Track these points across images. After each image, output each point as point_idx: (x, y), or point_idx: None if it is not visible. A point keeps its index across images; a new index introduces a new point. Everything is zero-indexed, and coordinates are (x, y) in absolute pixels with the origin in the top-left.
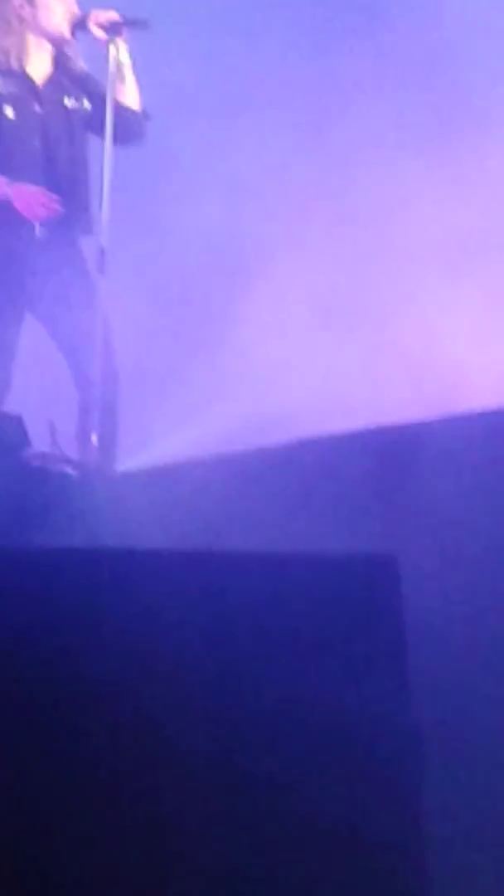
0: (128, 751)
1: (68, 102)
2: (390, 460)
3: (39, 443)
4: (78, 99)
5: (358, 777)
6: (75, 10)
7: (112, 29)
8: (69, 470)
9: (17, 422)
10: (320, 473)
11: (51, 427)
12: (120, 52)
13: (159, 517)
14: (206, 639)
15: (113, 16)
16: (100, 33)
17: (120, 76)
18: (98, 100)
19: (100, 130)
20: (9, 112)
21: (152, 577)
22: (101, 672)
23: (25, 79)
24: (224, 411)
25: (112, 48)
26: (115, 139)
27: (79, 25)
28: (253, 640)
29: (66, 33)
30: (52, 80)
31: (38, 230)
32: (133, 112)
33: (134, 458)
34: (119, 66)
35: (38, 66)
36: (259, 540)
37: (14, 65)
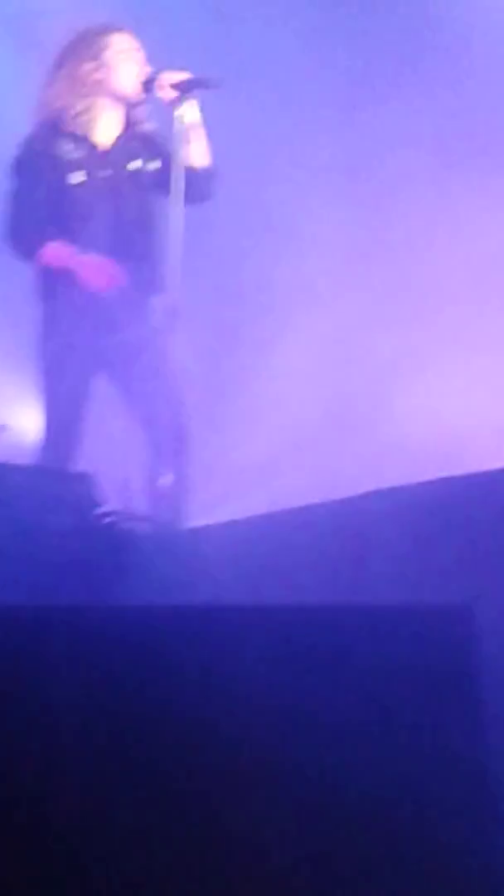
0: (200, 797)
1: (136, 164)
2: (464, 509)
3: (112, 501)
4: (146, 160)
5: (428, 831)
6: (146, 69)
7: (182, 88)
8: (141, 527)
9: (90, 480)
10: (397, 522)
11: (123, 485)
12: (189, 111)
13: (230, 572)
14: (281, 691)
15: (183, 76)
16: (169, 94)
17: (188, 136)
18: (166, 160)
19: (167, 190)
20: (78, 178)
21: (225, 632)
22: (175, 723)
23: (93, 144)
24: (292, 466)
25: (180, 108)
26: (185, 199)
27: (148, 86)
28: (328, 693)
29: (136, 94)
30: (119, 143)
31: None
32: (201, 171)
33: (205, 513)
34: (187, 125)
35: (108, 129)
36: (332, 592)
37: (85, 129)
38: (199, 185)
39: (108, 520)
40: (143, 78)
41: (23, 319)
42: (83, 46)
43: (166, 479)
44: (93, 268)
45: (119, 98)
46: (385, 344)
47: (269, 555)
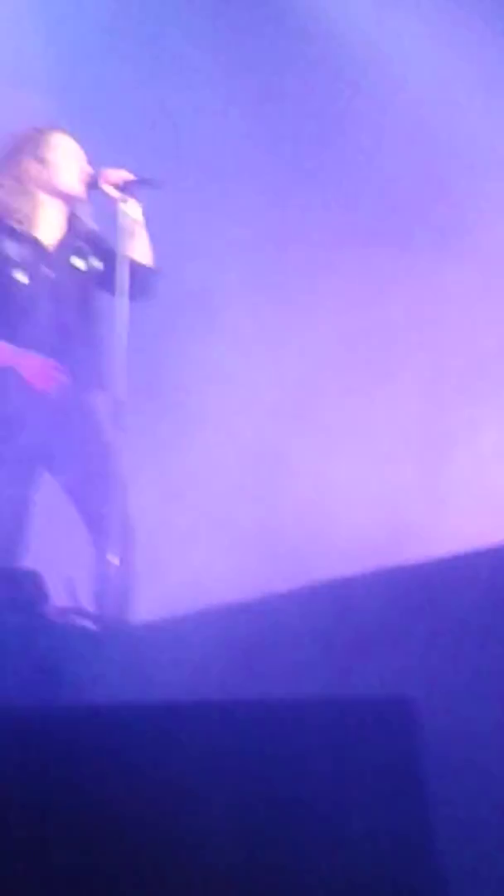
0: None
1: (79, 263)
2: (409, 599)
3: (58, 598)
4: (89, 258)
5: None
6: (88, 169)
7: (125, 188)
8: (88, 624)
9: (36, 577)
10: (340, 615)
11: (69, 582)
12: (132, 210)
13: (179, 668)
14: (228, 790)
15: (126, 175)
16: (113, 192)
17: (132, 233)
18: (110, 258)
19: (112, 288)
20: (20, 277)
21: (173, 730)
22: (124, 823)
23: (37, 242)
24: (237, 557)
25: (124, 206)
26: (129, 296)
27: (91, 185)
28: (275, 790)
29: (79, 193)
30: (62, 241)
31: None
32: (145, 268)
33: (152, 609)
34: (131, 223)
35: (50, 227)
36: (279, 685)
37: (26, 228)
38: (143, 281)
39: (55, 617)
40: (86, 176)
41: None
42: (27, 146)
43: (113, 576)
44: (34, 367)
45: (63, 196)
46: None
47: (213, 650)
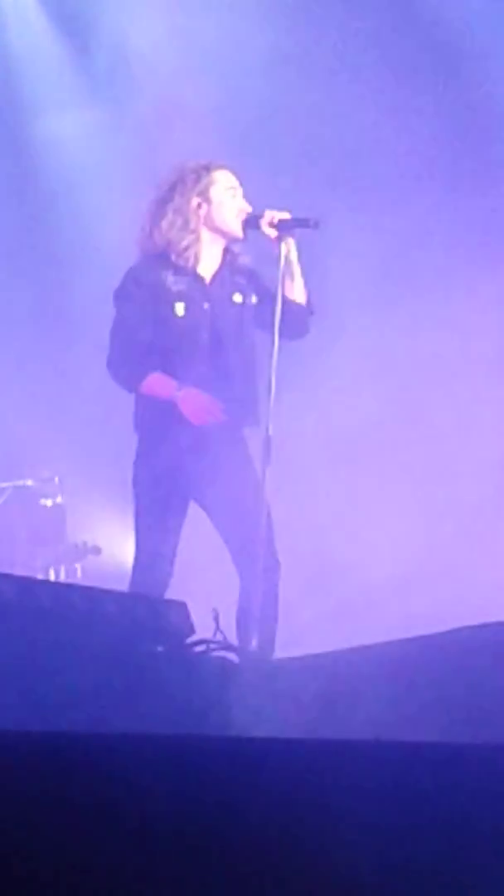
0: None
1: (236, 298)
2: None
3: (203, 629)
4: (245, 294)
5: None
6: (248, 208)
7: (283, 228)
8: (231, 656)
9: (183, 608)
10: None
11: (215, 614)
12: (290, 249)
13: (312, 706)
14: (368, 826)
15: (284, 215)
16: (271, 232)
17: (288, 272)
18: (264, 294)
19: (265, 324)
20: (179, 310)
21: (305, 764)
22: (254, 849)
23: (196, 276)
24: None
25: (283, 246)
26: (282, 334)
27: (251, 224)
28: (412, 831)
29: (239, 232)
30: (220, 276)
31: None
32: (300, 307)
33: (291, 646)
34: (288, 262)
35: (210, 262)
36: (414, 732)
37: (188, 263)
38: (298, 320)
39: (199, 648)
40: (245, 215)
41: (118, 444)
42: (190, 182)
43: (257, 610)
44: (194, 401)
45: (222, 233)
46: None
47: (349, 690)
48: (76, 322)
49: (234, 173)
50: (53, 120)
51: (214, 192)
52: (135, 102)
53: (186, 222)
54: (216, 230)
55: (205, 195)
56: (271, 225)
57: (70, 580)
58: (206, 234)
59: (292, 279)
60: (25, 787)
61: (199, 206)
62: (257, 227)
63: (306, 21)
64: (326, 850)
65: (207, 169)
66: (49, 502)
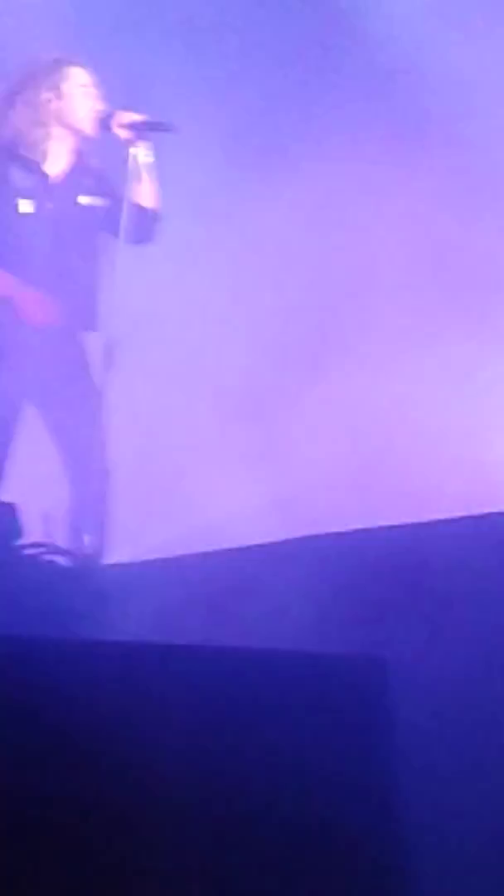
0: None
1: (82, 199)
2: (390, 561)
3: (33, 533)
4: (95, 196)
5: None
6: (100, 106)
7: (135, 129)
8: (61, 560)
9: (12, 510)
10: (319, 572)
11: (45, 517)
12: (141, 153)
13: (147, 611)
14: (195, 735)
15: (137, 117)
16: (124, 133)
17: (138, 177)
18: (113, 198)
19: (112, 228)
20: (23, 206)
21: (140, 671)
22: (93, 765)
23: (43, 174)
24: (222, 503)
25: (133, 149)
26: (128, 238)
27: (103, 124)
28: (243, 738)
29: (90, 130)
30: (69, 176)
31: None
32: (148, 212)
33: (124, 550)
34: (139, 166)
35: (59, 160)
36: (253, 638)
37: (38, 157)
38: (145, 225)
39: (30, 551)
40: (99, 114)
41: None
42: (43, 75)
43: (89, 513)
44: (31, 302)
45: (74, 131)
46: None
47: (183, 593)
48: None
49: (90, 71)
50: None
51: (66, 88)
52: None
53: (36, 116)
54: (67, 126)
55: (56, 90)
56: (122, 125)
57: None
58: (56, 131)
59: (140, 183)
60: None
61: (50, 100)
62: (108, 127)
63: None
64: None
65: (60, 64)
66: None
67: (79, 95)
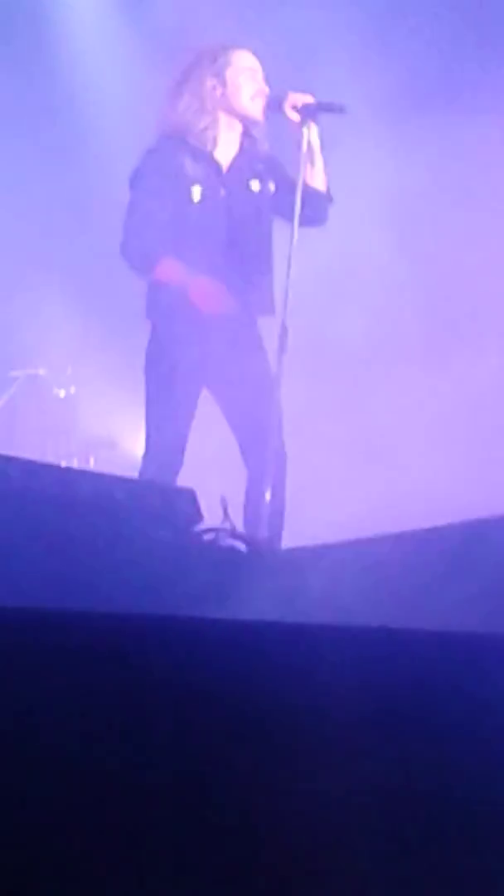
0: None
1: (254, 185)
2: None
3: (212, 517)
4: (263, 181)
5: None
6: (266, 90)
7: (306, 112)
8: (239, 545)
9: (191, 495)
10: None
11: (223, 502)
12: (312, 135)
13: (322, 594)
14: (363, 715)
15: (308, 99)
16: (294, 116)
17: (311, 159)
18: (283, 182)
19: (284, 212)
20: (196, 195)
21: (315, 652)
22: (255, 743)
23: (213, 161)
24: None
25: (305, 131)
26: (301, 222)
27: (273, 107)
28: (412, 717)
29: (258, 115)
30: (237, 162)
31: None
32: (321, 194)
33: (300, 535)
34: (312, 148)
35: (227, 148)
36: (411, 619)
37: (205, 146)
38: (318, 208)
39: (207, 536)
40: (267, 97)
41: (132, 332)
42: (207, 62)
43: (266, 500)
44: (205, 290)
45: (240, 116)
46: None
47: (362, 578)
48: (88, 209)
49: (254, 54)
50: None
51: (230, 74)
52: None
53: (202, 104)
54: (233, 113)
55: (220, 76)
56: (294, 108)
57: None
58: (223, 118)
59: (313, 165)
60: (27, 663)
61: (215, 87)
62: (280, 110)
63: None
64: (325, 735)
65: (224, 50)
66: (62, 392)
67: (244, 81)
